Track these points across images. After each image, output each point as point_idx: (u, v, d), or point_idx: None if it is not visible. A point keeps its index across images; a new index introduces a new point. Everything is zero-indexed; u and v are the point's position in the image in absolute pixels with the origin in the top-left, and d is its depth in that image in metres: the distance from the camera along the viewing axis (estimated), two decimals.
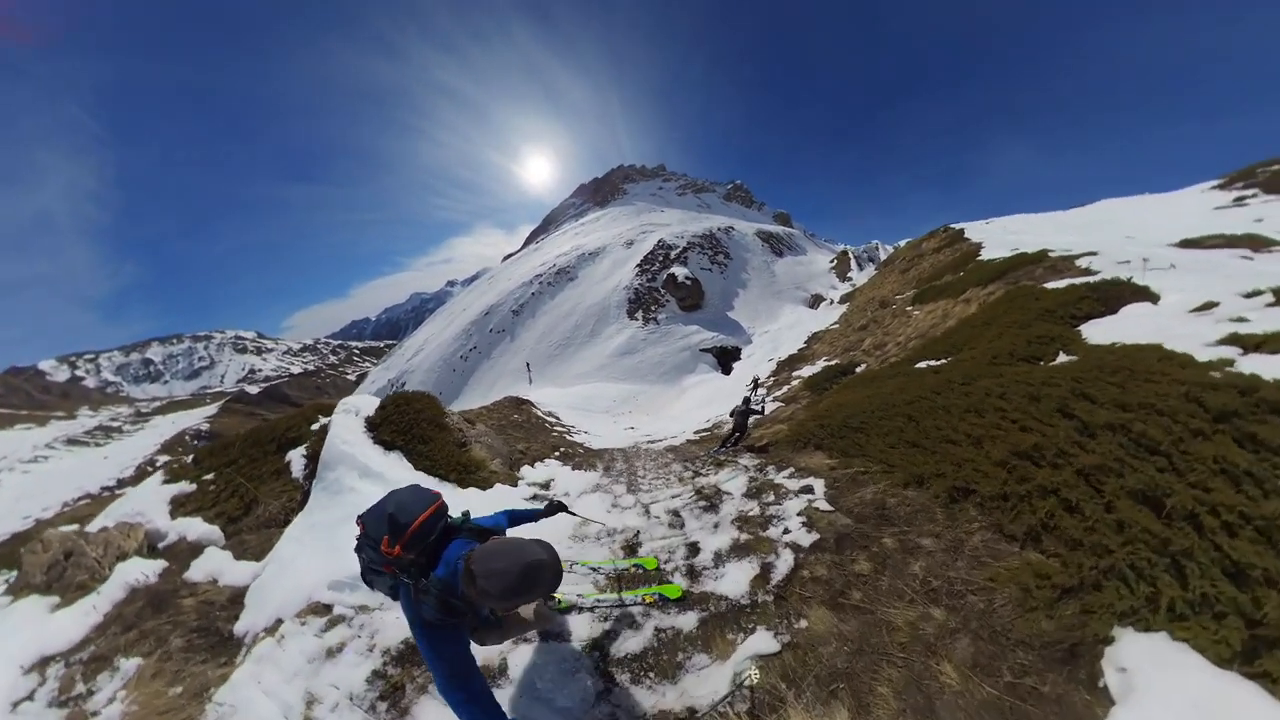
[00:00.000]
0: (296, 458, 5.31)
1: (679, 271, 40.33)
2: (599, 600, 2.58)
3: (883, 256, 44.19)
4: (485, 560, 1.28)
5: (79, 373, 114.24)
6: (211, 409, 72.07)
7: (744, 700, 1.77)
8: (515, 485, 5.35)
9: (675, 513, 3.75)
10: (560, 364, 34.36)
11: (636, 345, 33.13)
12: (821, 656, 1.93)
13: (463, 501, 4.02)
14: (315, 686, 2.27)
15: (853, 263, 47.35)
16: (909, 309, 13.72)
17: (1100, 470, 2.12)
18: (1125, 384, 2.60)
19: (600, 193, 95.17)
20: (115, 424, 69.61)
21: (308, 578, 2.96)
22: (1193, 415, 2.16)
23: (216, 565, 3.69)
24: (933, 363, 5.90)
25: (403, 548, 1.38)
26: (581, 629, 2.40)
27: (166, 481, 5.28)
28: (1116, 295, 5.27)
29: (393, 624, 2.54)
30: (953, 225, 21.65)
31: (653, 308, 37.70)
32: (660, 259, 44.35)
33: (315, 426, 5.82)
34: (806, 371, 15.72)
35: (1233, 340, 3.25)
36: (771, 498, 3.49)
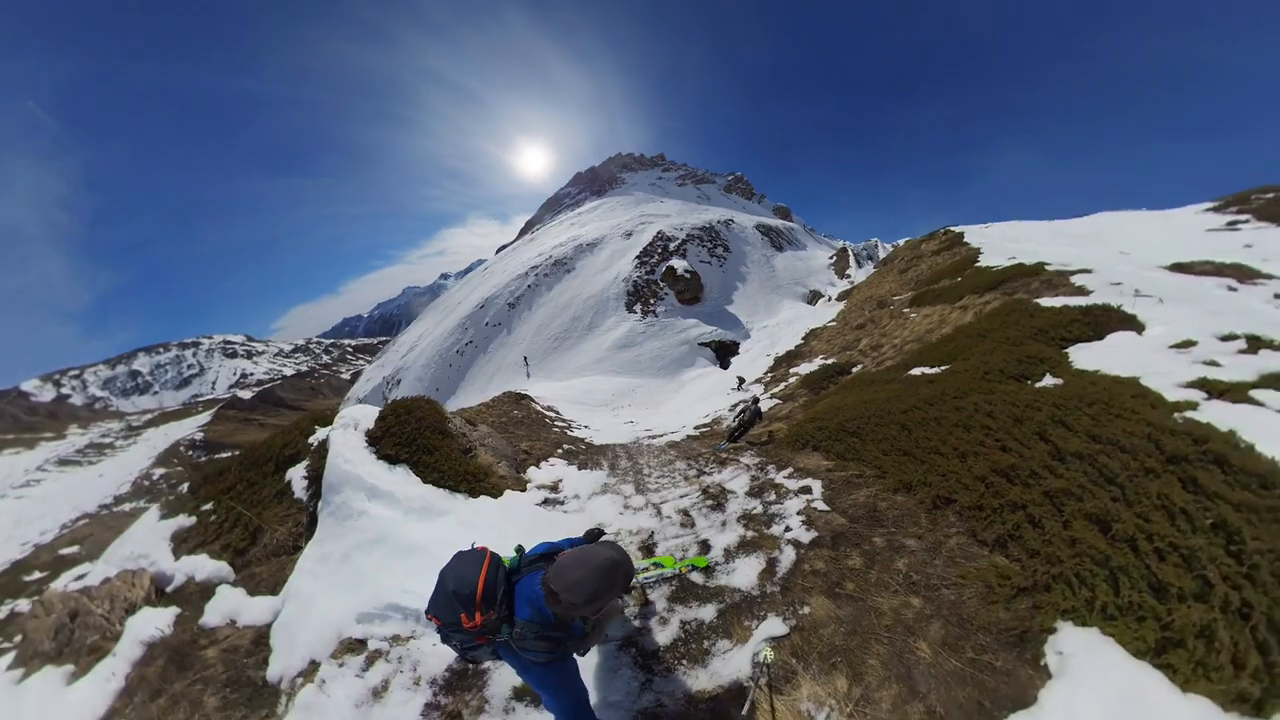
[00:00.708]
0: (297, 477, 5.06)
1: (678, 264, 40.25)
2: (646, 578, 2.94)
3: (882, 255, 44.37)
4: (562, 576, 1.34)
5: (64, 390, 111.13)
6: (205, 417, 70.72)
7: (763, 674, 2.09)
8: (524, 490, 5.36)
9: (685, 512, 4.05)
10: (558, 357, 34.40)
11: (635, 338, 33.22)
12: (823, 637, 2.31)
13: (477, 512, 4.11)
14: None
15: (852, 260, 47.50)
16: (906, 311, 13.97)
17: (1063, 493, 2.48)
18: (1099, 417, 2.95)
19: (598, 182, 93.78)
20: (107, 440, 68.24)
21: (333, 613, 2.89)
22: (1149, 455, 2.51)
23: (232, 605, 3.50)
24: (928, 370, 6.19)
25: (481, 614, 1.42)
26: (615, 629, 2.61)
27: (164, 516, 4.98)
28: (1105, 321, 5.59)
29: (430, 652, 2.52)
30: (952, 228, 21.84)
31: (651, 301, 37.69)
32: (659, 251, 44.15)
33: (313, 440, 5.58)
34: (804, 369, 16.01)
35: (1201, 384, 3.57)
36: (773, 497, 3.82)
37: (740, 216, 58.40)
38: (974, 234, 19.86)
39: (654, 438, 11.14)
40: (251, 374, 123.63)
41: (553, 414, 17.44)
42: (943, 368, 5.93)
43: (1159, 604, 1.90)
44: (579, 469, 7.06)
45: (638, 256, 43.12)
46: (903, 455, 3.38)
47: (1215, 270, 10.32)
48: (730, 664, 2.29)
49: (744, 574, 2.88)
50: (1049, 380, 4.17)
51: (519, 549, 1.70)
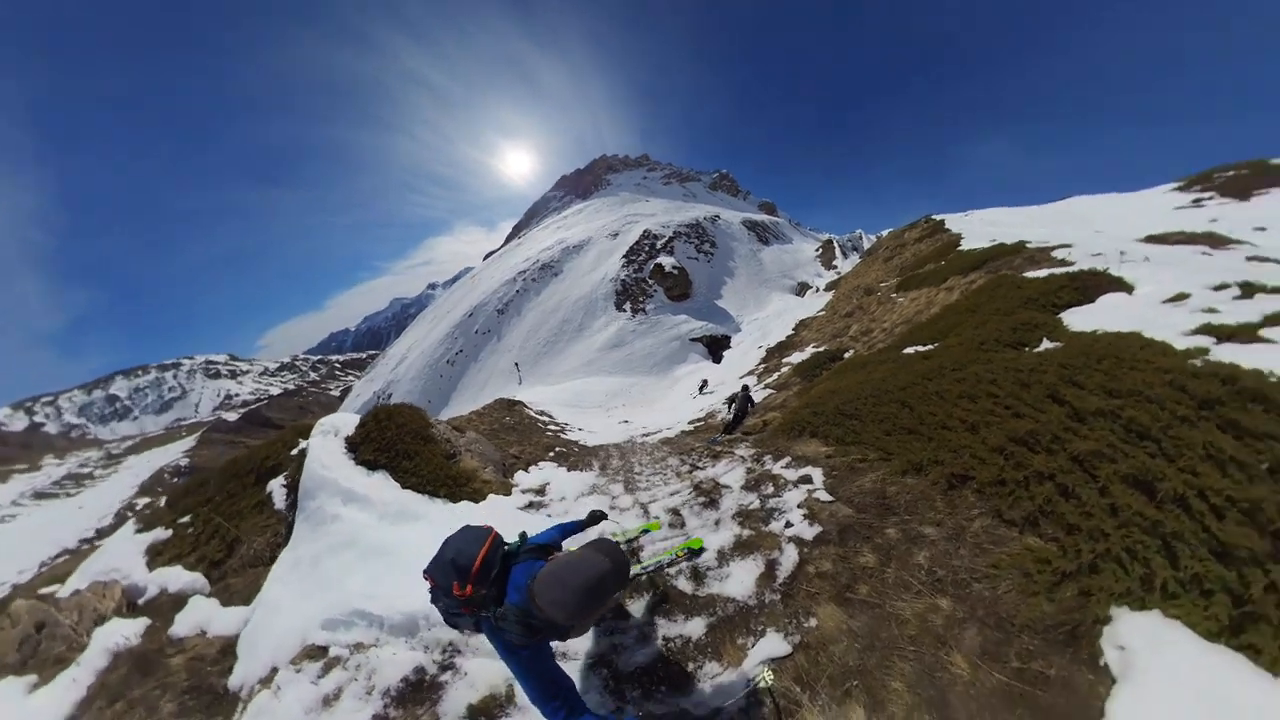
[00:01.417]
0: (277, 488, 5.05)
1: (666, 261, 40.17)
2: (643, 568, 2.75)
3: (866, 245, 44.84)
4: (547, 589, 1.33)
5: (38, 418, 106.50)
6: (189, 441, 68.66)
7: (759, 704, 1.77)
8: (509, 494, 5.18)
9: (675, 510, 3.73)
10: (550, 361, 34.01)
11: (626, 337, 33.00)
12: (833, 655, 1.94)
13: (455, 516, 3.97)
14: None
15: (837, 251, 47.98)
16: (893, 296, 13.99)
17: (1094, 455, 2.18)
18: (1112, 371, 2.68)
19: (583, 184, 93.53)
20: (85, 470, 65.66)
21: (299, 619, 2.82)
22: (1178, 402, 2.24)
23: (203, 615, 3.48)
24: (921, 348, 6.03)
25: (473, 587, 1.47)
26: (585, 645, 2.37)
27: (140, 530, 4.92)
28: (1094, 285, 5.46)
29: (389, 661, 2.44)
30: (933, 216, 22.12)
31: (640, 298, 37.53)
32: (646, 249, 44.02)
33: (296, 451, 5.47)
34: (796, 358, 15.95)
35: (1207, 330, 3.37)
36: (770, 489, 3.51)
37: (726, 213, 58.66)
38: (954, 221, 20.12)
39: (647, 435, 10.92)
40: (236, 395, 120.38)
41: (545, 418, 17.13)
42: (935, 344, 5.79)
43: (1227, 572, 1.62)
44: (568, 471, 6.81)
45: (625, 255, 42.94)
46: (907, 434, 3.11)
47: (1188, 239, 10.50)
48: (718, 694, 1.94)
49: (739, 580, 2.54)
50: (1047, 344, 3.99)
51: (522, 535, 1.74)
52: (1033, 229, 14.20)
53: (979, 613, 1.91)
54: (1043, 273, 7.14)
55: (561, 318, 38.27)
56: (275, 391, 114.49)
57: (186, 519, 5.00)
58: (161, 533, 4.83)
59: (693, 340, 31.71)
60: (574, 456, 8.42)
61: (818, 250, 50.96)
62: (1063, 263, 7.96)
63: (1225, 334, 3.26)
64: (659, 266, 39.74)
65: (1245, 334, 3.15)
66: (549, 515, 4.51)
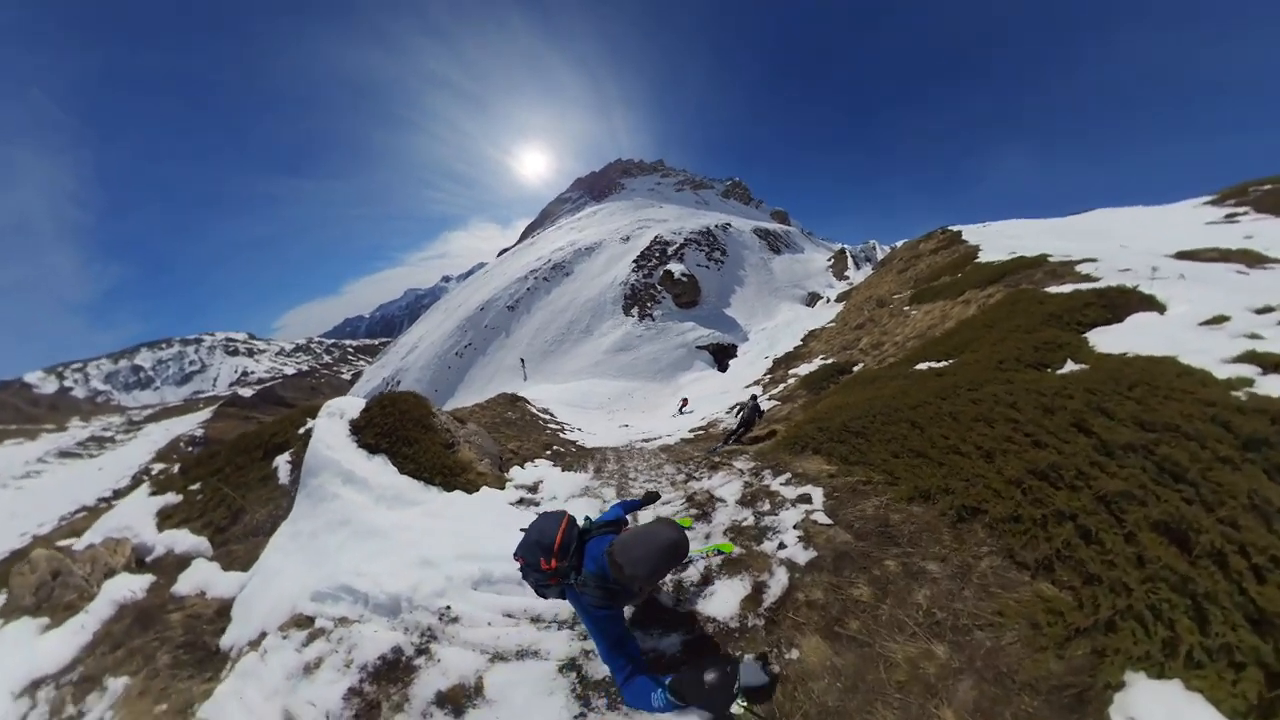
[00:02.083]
0: (283, 463, 5.27)
1: (675, 268, 40.04)
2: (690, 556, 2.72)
3: (880, 256, 44.17)
4: (626, 551, 1.54)
5: (67, 383, 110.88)
6: (205, 414, 70.39)
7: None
8: (503, 487, 5.24)
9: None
10: (555, 360, 34.08)
11: (632, 342, 32.89)
12: (812, 693, 1.80)
13: (448, 505, 4.07)
14: (293, 704, 2.24)
15: (850, 262, 47.30)
16: (906, 309, 13.62)
17: (1122, 497, 1.96)
18: (1145, 400, 2.47)
19: (598, 187, 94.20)
20: (108, 434, 67.81)
21: (291, 588, 2.95)
22: (1220, 440, 2.03)
23: (204, 577, 3.66)
24: (934, 365, 5.78)
25: (556, 560, 1.75)
26: (560, 647, 2.32)
27: (153, 493, 5.23)
28: (1123, 303, 5.16)
29: (369, 638, 2.48)
30: (950, 227, 21.59)
31: (649, 304, 37.43)
32: (657, 255, 44.00)
33: (302, 430, 5.71)
34: (803, 369, 15.65)
35: (1250, 358, 3.13)
36: (767, 506, 3.34)
37: (738, 220, 58.39)
38: (972, 233, 19.59)
39: (647, 441, 10.74)
40: (253, 372, 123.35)
41: (547, 416, 17.10)
42: (949, 361, 5.53)
43: (1263, 643, 1.43)
44: (563, 470, 6.73)
45: (635, 260, 42.96)
46: (916, 457, 2.90)
47: (1222, 256, 9.99)
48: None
49: (723, 599, 2.39)
50: (1071, 366, 3.75)
51: (588, 519, 2.02)
52: (1054, 242, 13.74)
53: (977, 664, 1.74)
54: (1067, 288, 6.83)
55: (570, 318, 38.38)
56: (290, 371, 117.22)
57: (196, 486, 5.24)
58: (173, 497, 5.08)
59: (699, 348, 31.46)
60: (570, 456, 8.33)
61: (830, 260, 50.33)
62: (1088, 278, 7.61)
63: (1271, 363, 3.00)
64: (668, 273, 39.64)
65: None
66: (538, 513, 4.47)
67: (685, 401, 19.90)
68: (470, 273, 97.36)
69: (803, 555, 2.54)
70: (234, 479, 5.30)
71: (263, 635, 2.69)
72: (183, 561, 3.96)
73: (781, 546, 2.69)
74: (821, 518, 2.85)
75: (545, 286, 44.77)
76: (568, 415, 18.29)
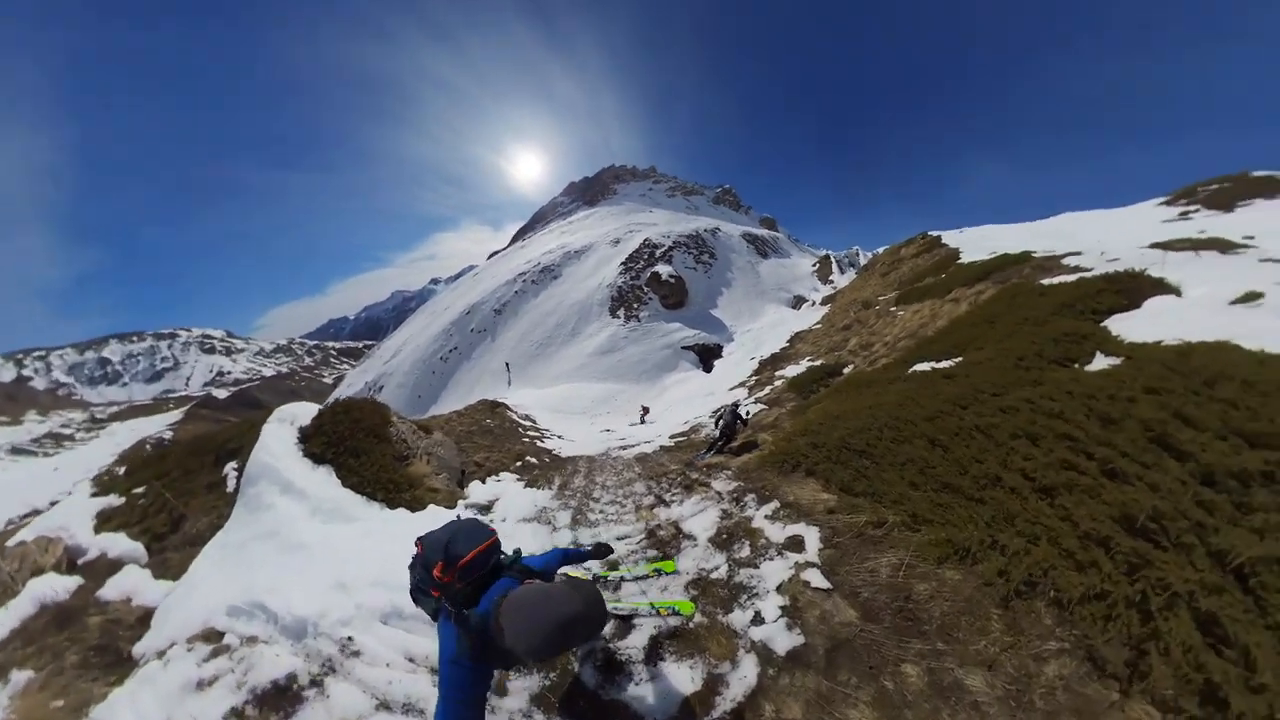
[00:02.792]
0: (231, 471, 5.10)
1: (663, 269, 39.69)
2: (634, 608, 2.27)
3: (863, 261, 44.56)
4: (513, 616, 1.27)
5: (26, 372, 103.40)
6: (175, 415, 66.23)
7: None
8: (453, 506, 4.79)
9: (614, 565, 2.82)
10: (541, 364, 33.19)
11: (617, 343, 32.25)
12: None
13: (387, 523, 3.77)
14: (177, 716, 2.20)
15: (834, 266, 47.79)
16: (893, 309, 13.32)
17: (1264, 565, 1.26)
18: (1238, 401, 1.79)
19: (590, 191, 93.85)
20: (67, 431, 63.01)
21: (209, 601, 2.88)
22: None
23: (133, 584, 3.58)
24: (936, 365, 5.20)
25: (453, 576, 1.43)
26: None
27: (95, 494, 5.10)
28: (1135, 288, 4.65)
29: (269, 662, 2.37)
30: (930, 233, 21.74)
31: (635, 305, 36.91)
32: (645, 257, 43.61)
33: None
34: (790, 371, 15.17)
35: None
36: (746, 551, 2.60)
37: (727, 226, 58.60)
38: (951, 237, 19.80)
39: (625, 448, 10.03)
40: (229, 372, 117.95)
41: (528, 422, 16.39)
42: (953, 360, 4.94)
43: None
44: (525, 486, 6.02)
45: (623, 263, 42.46)
46: (944, 490, 2.18)
47: (1194, 246, 10.02)
48: None
49: (664, 691, 1.72)
50: (1103, 361, 3.16)
51: (516, 551, 1.71)
52: (1032, 241, 13.78)
53: None
54: (1071, 277, 6.37)
55: (556, 321, 37.62)
56: (268, 373, 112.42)
57: (140, 490, 5.05)
58: (115, 499, 4.91)
59: (684, 348, 30.97)
60: (539, 469, 7.62)
61: (815, 265, 50.76)
62: (1077, 269, 7.25)
63: None
64: (655, 274, 39.24)
65: None
66: (473, 516, 4.09)
67: (646, 410, 19.27)
68: (459, 275, 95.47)
69: (784, 639, 1.80)
70: (180, 484, 5.13)
71: (171, 645, 2.67)
72: (114, 566, 3.88)
73: (757, 620, 1.95)
74: (816, 578, 2.10)
75: (533, 290, 43.93)
76: (549, 421, 17.56)
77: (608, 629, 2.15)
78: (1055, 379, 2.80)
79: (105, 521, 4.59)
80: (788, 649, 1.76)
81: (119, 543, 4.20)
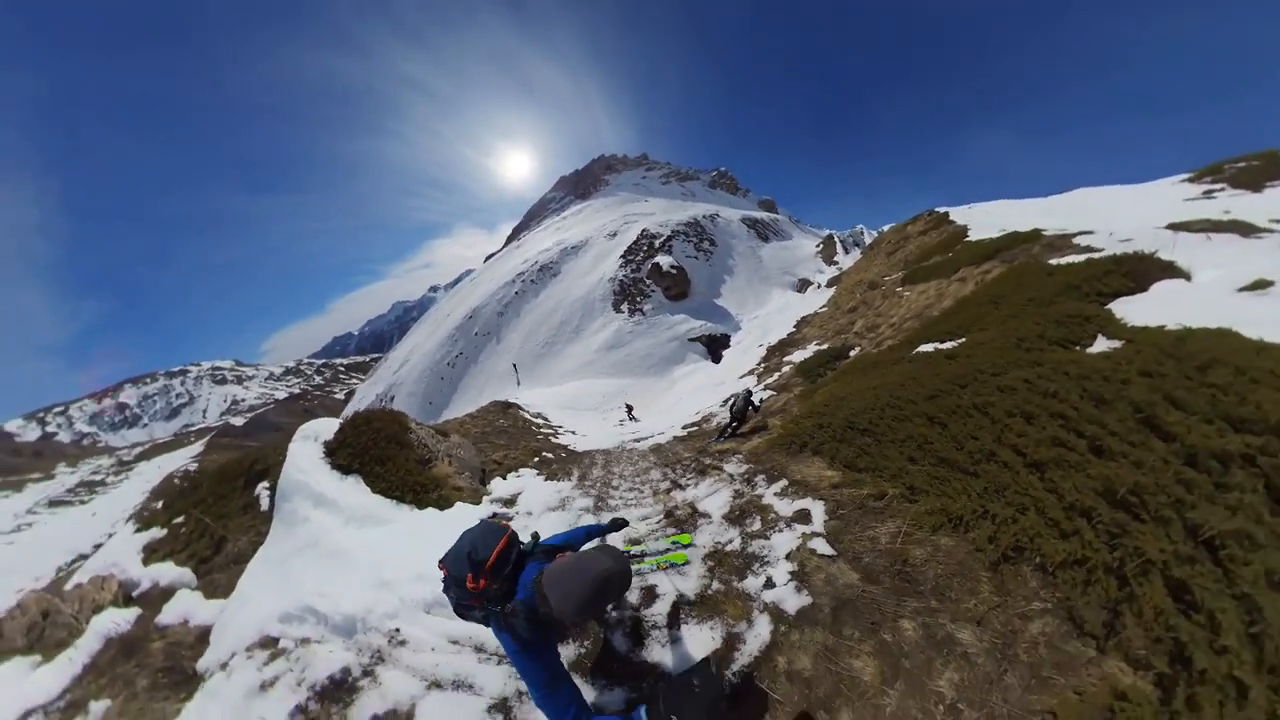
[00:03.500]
0: (263, 490, 5.38)
1: (664, 260, 39.48)
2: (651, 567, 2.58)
3: (867, 240, 43.86)
4: (555, 584, 1.38)
5: (50, 428, 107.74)
6: (198, 447, 68.50)
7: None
8: (479, 502, 5.06)
9: (637, 542, 3.14)
10: (548, 362, 33.52)
11: (624, 338, 32.39)
12: None
13: (419, 522, 4.01)
14: (247, 718, 2.33)
15: (838, 247, 47.06)
16: (899, 290, 13.23)
17: (1234, 538, 1.40)
18: (1228, 387, 1.90)
19: (582, 184, 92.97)
20: (98, 477, 65.14)
21: (261, 611, 3.05)
22: None
23: (187, 607, 3.77)
24: (939, 345, 5.29)
25: (486, 580, 1.52)
26: (494, 683, 2.17)
27: (138, 530, 5.34)
28: (1143, 270, 4.65)
29: (323, 658, 2.51)
30: (937, 209, 21.31)
31: (638, 299, 36.89)
32: (645, 249, 43.38)
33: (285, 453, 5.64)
34: (798, 356, 15.23)
35: None
36: (757, 524, 2.84)
37: (725, 210, 57.86)
38: (959, 214, 19.39)
39: (638, 440, 10.28)
40: (243, 400, 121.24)
41: (540, 420, 16.68)
42: (957, 341, 5.03)
43: None
44: (545, 480, 6.32)
45: (623, 256, 42.31)
46: (940, 464, 2.36)
47: (1213, 227, 9.75)
48: None
49: (685, 650, 1.94)
50: (1104, 343, 3.25)
51: (534, 535, 1.79)
52: (1043, 219, 13.49)
53: None
54: (1080, 257, 6.33)
55: (559, 319, 37.80)
56: (281, 396, 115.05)
57: (180, 519, 5.31)
58: (157, 532, 5.16)
59: (691, 340, 31.02)
60: (556, 464, 7.89)
61: (818, 246, 50.01)
62: (1087, 249, 7.16)
63: None
64: (657, 266, 39.06)
65: None
66: (481, 520, 4.20)
67: (630, 409, 19.39)
68: (458, 281, 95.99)
69: (793, 600, 2.02)
70: (216, 509, 5.38)
71: (231, 656, 2.80)
72: (167, 593, 4.07)
73: (769, 585, 2.18)
74: (822, 545, 2.34)
75: (533, 289, 44.07)
76: (561, 418, 17.88)
77: (634, 598, 2.40)
78: (1055, 360, 2.92)
79: (152, 553, 4.81)
80: (797, 608, 1.98)
81: (168, 571, 4.39)
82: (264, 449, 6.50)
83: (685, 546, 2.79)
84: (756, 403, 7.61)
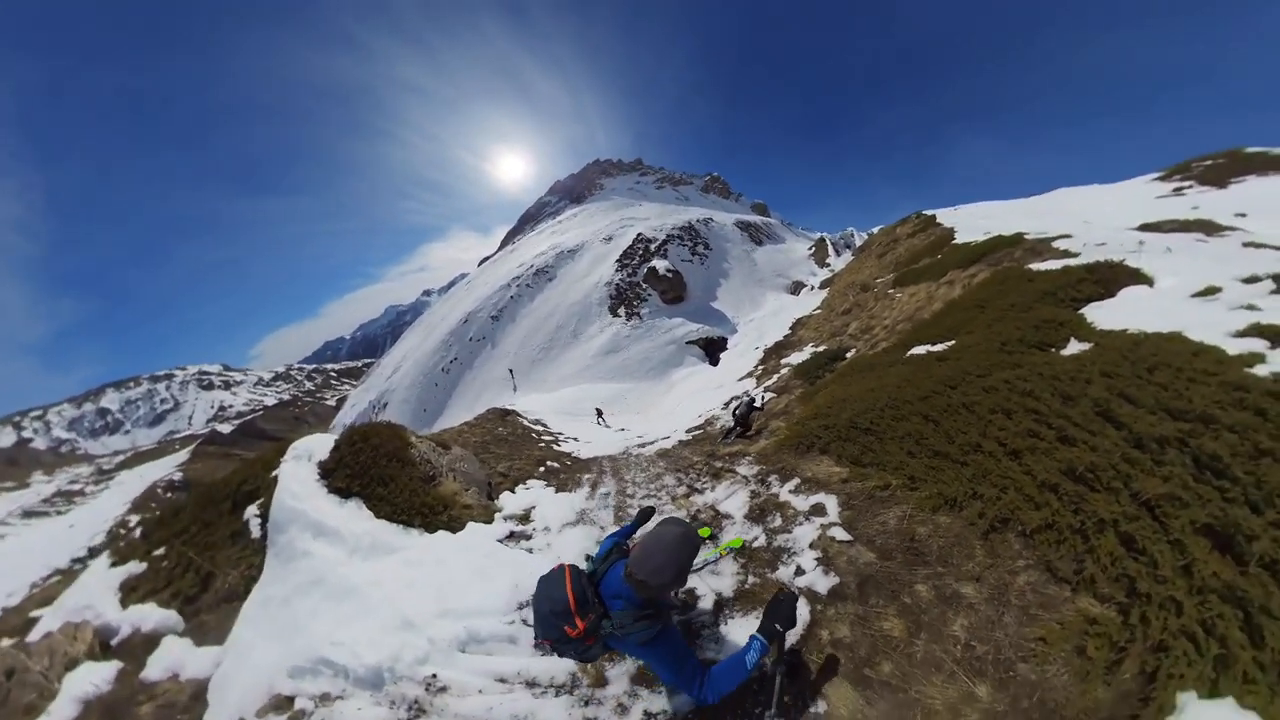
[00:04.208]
0: (253, 516, 4.78)
1: (660, 264, 39.91)
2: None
3: (858, 242, 44.83)
4: (644, 564, 1.48)
5: (26, 434, 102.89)
6: (183, 455, 65.81)
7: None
8: (491, 521, 4.77)
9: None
10: (545, 368, 33.58)
11: (621, 343, 32.64)
12: None
13: (431, 548, 3.78)
14: None
15: (830, 249, 47.97)
16: (891, 292, 13.70)
17: (1166, 499, 1.81)
18: (1169, 384, 2.32)
19: (577, 189, 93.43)
20: (76, 487, 62.74)
21: (267, 665, 2.73)
22: (1257, 430, 1.90)
23: (176, 657, 3.35)
24: (931, 348, 5.68)
25: (582, 620, 1.58)
26: (559, 715, 2.10)
27: (114, 564, 4.67)
28: (1112, 277, 5.13)
29: (352, 716, 2.29)
30: (924, 211, 22.01)
31: (635, 303, 37.22)
32: (640, 253, 43.81)
33: (274, 474, 4.97)
34: (795, 358, 15.63)
35: (1256, 331, 3.04)
36: (778, 521, 3.11)
37: (719, 215, 58.63)
38: (946, 216, 20.03)
39: (643, 446, 10.48)
40: (230, 406, 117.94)
41: (540, 427, 16.72)
42: (946, 343, 5.42)
43: None
44: (556, 492, 6.34)
45: (619, 260, 42.69)
46: (935, 456, 2.70)
47: (1181, 227, 10.36)
48: None
49: (736, 642, 2.15)
50: (1075, 346, 3.65)
51: (588, 557, 1.90)
52: (1026, 221, 14.10)
53: (1023, 704, 1.57)
54: (1056, 264, 6.79)
55: (556, 323, 37.90)
56: (270, 402, 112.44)
57: (161, 551, 4.68)
58: (135, 566, 4.54)
59: (689, 343, 31.39)
60: (564, 473, 7.98)
61: (810, 249, 50.94)
62: (1065, 253, 7.65)
63: (1276, 335, 2.92)
64: (653, 270, 39.49)
65: None
66: (530, 550, 4.10)
67: (600, 412, 19.73)
68: (451, 285, 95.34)
69: (823, 582, 2.32)
70: (200, 539, 4.74)
71: None
72: (151, 641, 3.57)
73: (799, 572, 2.45)
74: (840, 533, 2.63)
75: (529, 293, 44.13)
76: (561, 424, 17.94)
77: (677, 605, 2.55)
78: (1032, 362, 3.30)
79: (130, 592, 4.22)
80: (828, 588, 2.29)
81: (150, 614, 3.84)
82: (251, 465, 5.85)
83: (735, 549, 2.88)
84: (760, 405, 7.87)
